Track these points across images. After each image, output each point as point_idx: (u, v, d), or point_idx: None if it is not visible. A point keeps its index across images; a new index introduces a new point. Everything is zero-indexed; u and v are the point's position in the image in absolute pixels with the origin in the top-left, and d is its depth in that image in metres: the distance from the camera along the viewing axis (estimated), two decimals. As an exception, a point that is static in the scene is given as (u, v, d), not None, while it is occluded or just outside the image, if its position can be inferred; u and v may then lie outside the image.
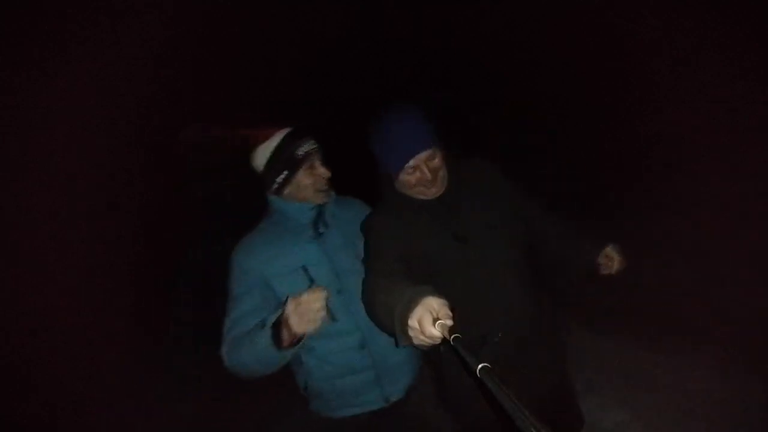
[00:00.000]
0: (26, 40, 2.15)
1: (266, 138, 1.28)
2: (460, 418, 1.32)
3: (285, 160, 1.26)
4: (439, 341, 0.73)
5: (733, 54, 2.82)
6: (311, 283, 1.23)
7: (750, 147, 2.84)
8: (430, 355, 1.30)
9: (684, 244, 2.92)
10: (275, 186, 1.30)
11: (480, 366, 0.58)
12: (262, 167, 1.31)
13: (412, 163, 1.10)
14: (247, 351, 1.14)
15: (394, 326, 0.82)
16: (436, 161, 1.13)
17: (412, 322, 0.76)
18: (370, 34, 5.38)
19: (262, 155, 1.29)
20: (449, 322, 0.72)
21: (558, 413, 1.28)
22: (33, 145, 2.35)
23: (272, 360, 1.13)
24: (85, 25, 2.39)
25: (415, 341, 0.78)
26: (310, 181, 1.28)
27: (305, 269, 1.25)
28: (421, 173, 1.10)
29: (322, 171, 1.30)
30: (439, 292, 0.78)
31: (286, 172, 1.27)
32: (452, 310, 0.76)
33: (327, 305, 1.17)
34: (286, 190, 1.30)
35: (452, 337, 0.68)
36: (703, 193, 2.99)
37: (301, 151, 1.27)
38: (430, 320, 0.73)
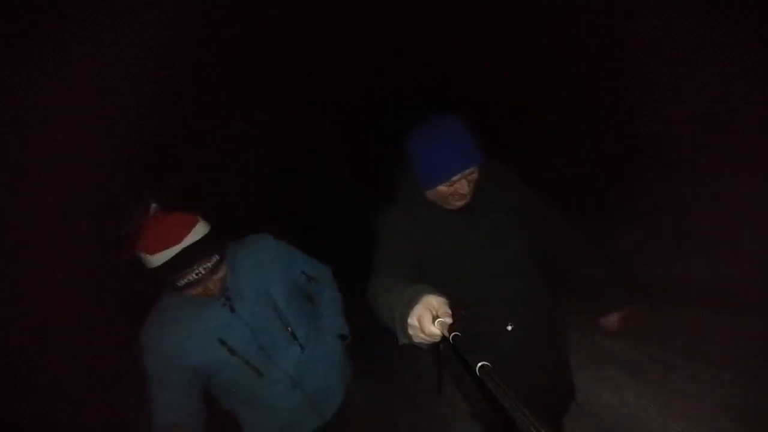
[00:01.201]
0: (26, 40, 2.15)
1: (149, 251, 1.06)
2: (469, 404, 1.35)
3: (164, 282, 1.11)
4: (438, 339, 0.73)
5: (733, 54, 2.82)
6: (229, 350, 1.18)
7: (750, 147, 2.84)
8: (431, 353, 1.31)
9: (684, 245, 2.92)
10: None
11: (479, 365, 0.58)
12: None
13: (455, 177, 1.09)
14: None
15: (395, 325, 0.82)
16: (474, 175, 1.12)
17: (412, 320, 0.76)
18: (370, 34, 5.39)
19: (142, 264, 1.11)
20: (449, 320, 0.72)
21: (555, 391, 1.33)
22: (33, 145, 2.35)
23: None
24: (85, 25, 2.40)
25: (415, 339, 0.78)
26: (195, 293, 1.14)
27: (221, 341, 1.18)
28: (459, 186, 1.10)
29: (210, 289, 1.13)
30: (455, 292, 0.79)
31: (167, 288, 1.16)
32: (452, 309, 0.76)
33: (250, 365, 1.20)
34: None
35: (452, 335, 0.68)
36: (703, 193, 2.99)
37: (181, 283, 1.08)
38: (429, 318, 0.73)
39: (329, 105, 6.29)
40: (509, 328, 1.18)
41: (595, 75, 4.07)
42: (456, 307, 0.76)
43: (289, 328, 1.27)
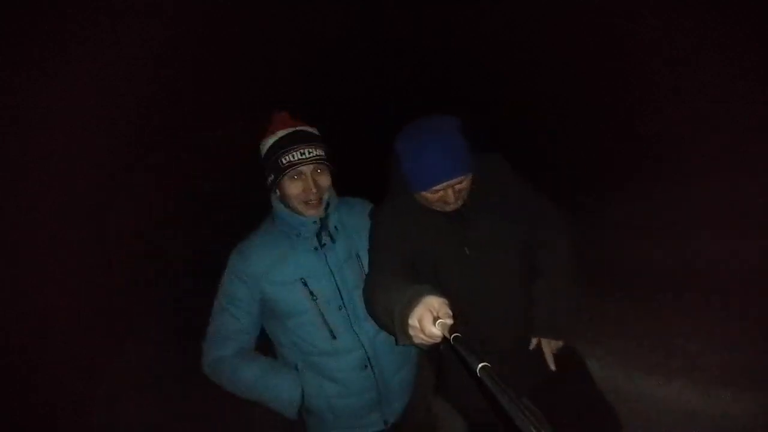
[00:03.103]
0: (26, 40, 2.15)
1: (271, 132, 1.20)
2: (461, 415, 1.34)
3: (271, 165, 1.17)
4: (439, 340, 0.73)
5: (733, 54, 2.82)
6: (311, 296, 1.17)
7: (750, 147, 2.84)
8: (431, 353, 1.31)
9: (684, 247, 2.92)
10: (269, 186, 1.22)
11: (480, 365, 0.58)
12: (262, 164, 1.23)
13: (438, 187, 1.05)
14: (252, 389, 1.17)
15: (393, 325, 0.82)
16: (464, 184, 1.09)
17: (413, 321, 0.76)
18: (370, 34, 5.38)
19: (261, 152, 1.22)
20: (449, 321, 0.72)
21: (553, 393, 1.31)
22: (33, 145, 2.34)
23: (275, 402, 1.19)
24: (85, 25, 2.39)
25: (416, 340, 0.78)
26: (295, 192, 1.16)
27: (304, 282, 1.18)
28: (444, 194, 1.07)
29: (309, 184, 1.15)
30: (441, 293, 0.78)
31: (272, 176, 1.19)
32: (452, 309, 0.76)
33: (327, 322, 1.17)
34: (278, 194, 1.22)
35: (452, 336, 0.68)
36: (703, 192, 2.99)
37: (285, 159, 1.14)
38: (430, 319, 0.73)
39: (329, 105, 6.28)
40: (496, 343, 1.16)
41: (595, 75, 4.07)
42: (458, 312, 0.76)
43: None
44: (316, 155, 1.18)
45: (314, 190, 1.17)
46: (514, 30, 4.57)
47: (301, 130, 1.20)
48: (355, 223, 1.30)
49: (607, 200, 3.97)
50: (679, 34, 3.08)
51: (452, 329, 0.70)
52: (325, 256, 1.22)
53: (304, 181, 1.16)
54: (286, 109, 1.29)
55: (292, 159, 1.15)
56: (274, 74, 4.79)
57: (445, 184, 1.05)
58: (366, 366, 1.21)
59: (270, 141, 1.19)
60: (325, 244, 1.22)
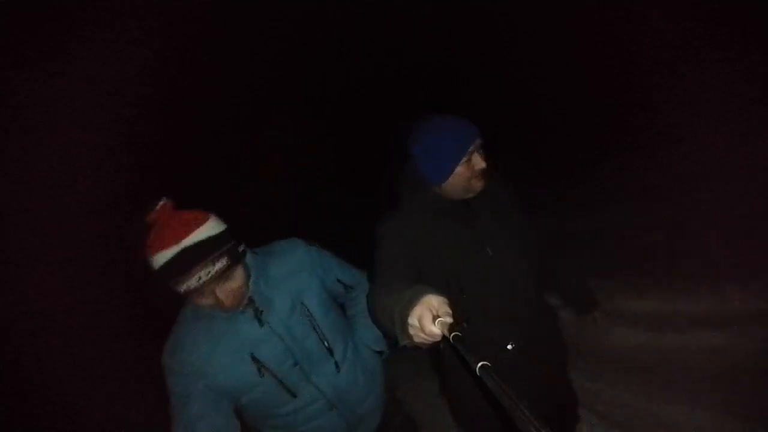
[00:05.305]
0: (26, 40, 2.15)
1: (156, 250, 0.96)
2: (461, 414, 1.34)
3: (169, 288, 0.99)
4: (439, 339, 0.73)
5: (734, 54, 2.82)
6: (264, 367, 1.07)
7: (750, 146, 2.84)
8: (431, 353, 1.31)
9: (687, 252, 2.92)
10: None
11: (480, 364, 0.58)
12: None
13: (467, 155, 1.10)
14: None
15: (394, 326, 0.82)
16: (482, 151, 1.13)
17: (412, 320, 0.76)
18: (370, 34, 5.39)
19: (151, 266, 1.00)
20: (449, 320, 0.72)
21: (556, 393, 1.35)
22: (33, 145, 2.35)
23: None
24: (85, 25, 2.40)
25: (416, 339, 0.77)
26: (208, 304, 1.02)
27: (252, 356, 1.07)
28: (476, 161, 1.11)
29: (220, 298, 1.00)
30: (457, 299, 0.78)
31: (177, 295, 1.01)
32: (452, 308, 0.76)
33: (285, 385, 1.10)
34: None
35: (452, 335, 0.68)
36: (703, 191, 2.99)
37: (182, 288, 0.96)
38: (430, 318, 0.73)
39: (329, 105, 6.29)
40: (509, 347, 1.18)
41: (595, 75, 4.08)
42: (456, 317, 0.75)
43: (325, 343, 1.16)
44: (218, 270, 0.97)
45: (230, 304, 1.02)
46: (514, 30, 4.58)
47: (188, 248, 0.95)
48: (287, 270, 1.17)
49: (605, 203, 3.98)
50: (679, 34, 3.08)
51: (452, 328, 0.70)
52: (268, 323, 1.10)
53: (212, 297, 1.00)
54: (167, 197, 1.03)
55: (189, 287, 0.95)
56: (274, 74, 4.79)
57: (473, 146, 1.10)
58: (332, 408, 1.17)
59: (156, 260, 0.95)
60: (263, 311, 1.10)
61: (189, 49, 3.34)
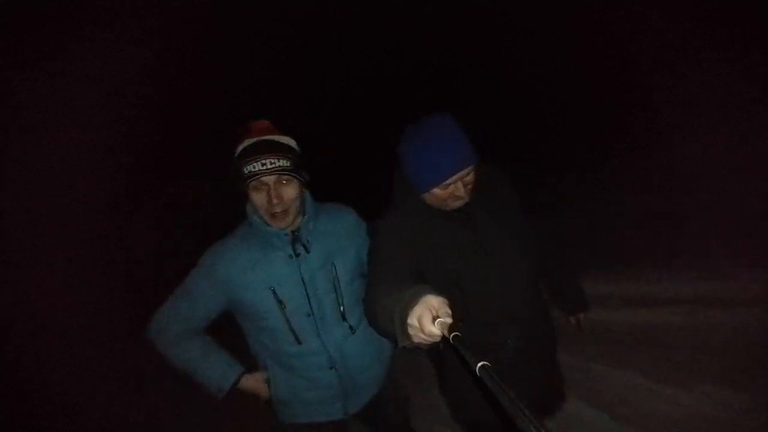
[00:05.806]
0: (26, 40, 2.15)
1: (241, 141, 1.15)
2: (461, 414, 1.34)
3: (237, 174, 1.14)
4: (438, 339, 0.73)
5: (734, 54, 2.82)
6: (280, 304, 1.18)
7: (750, 146, 2.84)
8: (431, 353, 1.31)
9: (686, 251, 2.92)
10: (238, 194, 1.18)
11: (479, 364, 0.58)
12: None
13: (449, 180, 1.03)
14: (197, 367, 1.25)
15: (393, 327, 0.81)
16: (471, 176, 1.07)
17: (412, 320, 0.75)
18: (370, 34, 5.39)
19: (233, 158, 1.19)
20: (449, 320, 0.71)
21: (547, 392, 1.36)
22: (33, 145, 2.35)
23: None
24: (85, 25, 2.40)
25: (415, 339, 0.77)
26: (259, 202, 1.13)
27: (273, 290, 1.18)
28: (455, 188, 1.05)
29: (272, 195, 1.12)
30: (455, 299, 0.78)
31: (238, 185, 1.15)
32: (452, 308, 0.76)
33: (293, 328, 1.19)
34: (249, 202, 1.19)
35: (451, 335, 0.68)
36: (703, 191, 2.99)
37: (246, 170, 1.10)
38: (429, 318, 0.72)
39: (329, 105, 6.29)
40: (509, 341, 1.17)
41: (595, 75, 4.08)
42: (456, 318, 0.75)
43: (341, 308, 1.24)
44: (279, 166, 1.12)
45: (276, 201, 1.12)
46: (514, 30, 4.58)
47: (267, 140, 1.13)
48: (333, 228, 1.28)
49: (604, 203, 3.98)
50: (679, 34, 3.08)
51: (452, 328, 0.69)
52: (299, 266, 1.21)
53: (266, 192, 1.12)
54: (268, 116, 1.23)
55: (252, 169, 1.10)
56: (274, 74, 4.80)
57: (455, 176, 1.03)
58: (332, 367, 1.26)
59: (238, 149, 1.14)
60: (299, 254, 1.21)
61: (189, 49, 3.34)
